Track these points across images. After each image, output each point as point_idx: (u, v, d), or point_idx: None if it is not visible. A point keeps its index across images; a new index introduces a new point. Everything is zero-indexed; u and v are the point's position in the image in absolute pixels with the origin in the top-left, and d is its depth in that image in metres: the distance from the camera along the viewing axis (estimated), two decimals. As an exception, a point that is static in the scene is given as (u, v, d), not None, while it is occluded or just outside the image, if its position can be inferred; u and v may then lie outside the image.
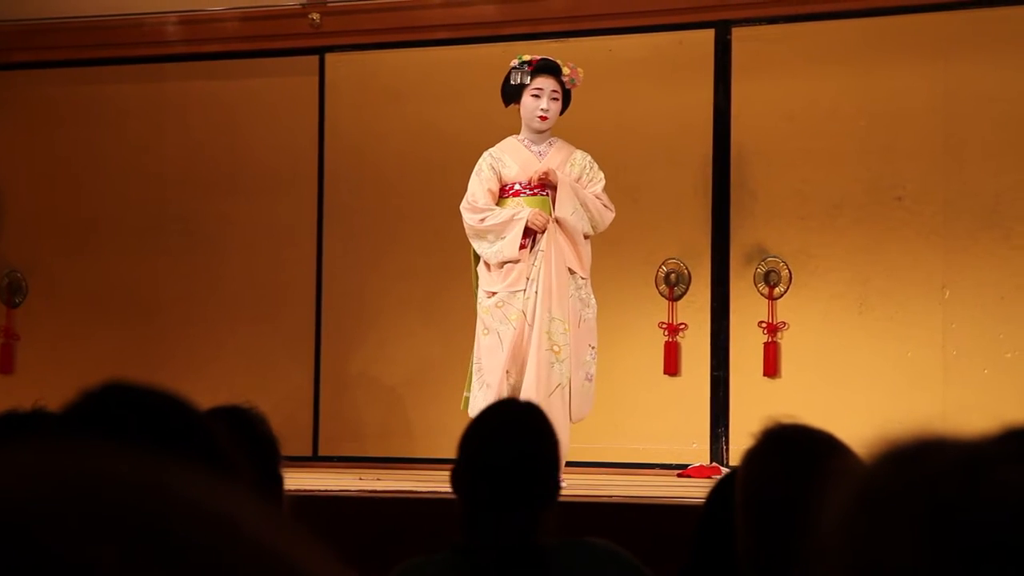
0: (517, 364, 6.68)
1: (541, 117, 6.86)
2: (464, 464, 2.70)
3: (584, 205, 6.84)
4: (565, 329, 6.71)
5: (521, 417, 2.77)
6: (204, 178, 9.27)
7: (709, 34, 8.45)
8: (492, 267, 6.83)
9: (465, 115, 8.65)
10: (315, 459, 8.69)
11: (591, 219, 6.86)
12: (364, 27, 9.02)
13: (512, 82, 6.90)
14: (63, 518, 0.62)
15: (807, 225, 8.22)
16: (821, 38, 8.26)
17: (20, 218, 9.61)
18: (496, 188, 6.90)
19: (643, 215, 8.09)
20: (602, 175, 6.98)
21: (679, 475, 7.90)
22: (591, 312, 6.85)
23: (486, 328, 6.77)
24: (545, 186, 6.84)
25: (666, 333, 8.40)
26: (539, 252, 6.75)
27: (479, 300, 6.86)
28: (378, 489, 6.40)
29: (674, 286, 8.43)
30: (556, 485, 2.73)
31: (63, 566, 0.61)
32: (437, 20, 8.86)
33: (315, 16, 9.06)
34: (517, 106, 6.94)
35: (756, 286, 8.29)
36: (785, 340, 8.23)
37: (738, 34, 8.41)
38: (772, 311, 8.24)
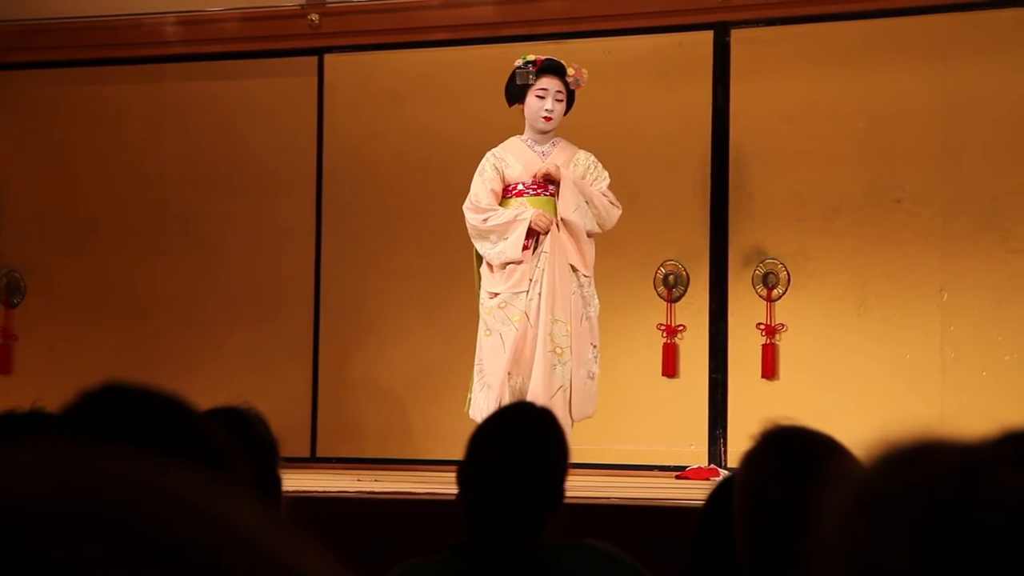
0: (519, 366, 6.66)
1: (546, 118, 6.84)
2: (472, 463, 2.69)
3: (589, 202, 6.82)
4: (567, 331, 6.70)
5: (533, 421, 2.77)
6: (203, 178, 9.27)
7: (708, 35, 8.45)
8: (495, 268, 6.80)
9: (464, 116, 8.65)
10: (313, 460, 8.68)
11: (597, 216, 6.84)
12: (363, 28, 9.03)
13: (517, 82, 6.87)
14: (62, 519, 0.62)
15: (805, 227, 8.22)
16: (820, 40, 8.26)
17: (19, 218, 9.61)
18: (499, 188, 6.88)
19: (641, 217, 8.08)
20: (606, 174, 6.97)
21: (677, 477, 7.90)
22: (593, 311, 6.82)
23: (488, 329, 6.75)
24: (549, 181, 6.82)
25: (664, 335, 8.40)
26: (542, 253, 6.73)
27: (481, 301, 6.84)
28: (376, 490, 6.40)
29: (672, 288, 8.43)
30: (562, 491, 2.72)
31: (62, 566, 0.61)
32: (436, 21, 8.86)
33: (314, 17, 9.06)
34: (520, 106, 6.92)
35: (754, 288, 8.29)
36: (783, 342, 8.23)
37: (737, 36, 8.42)
38: (770, 313, 8.24)
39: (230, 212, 9.19)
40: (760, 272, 8.28)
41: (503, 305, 6.72)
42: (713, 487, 2.70)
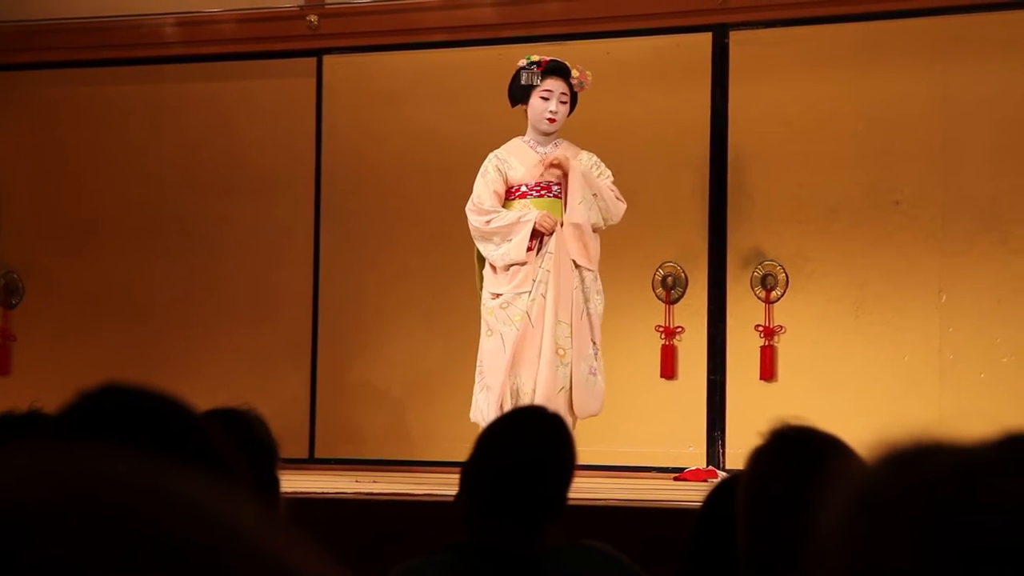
0: (517, 366, 6.64)
1: (550, 119, 6.81)
2: (478, 463, 2.69)
3: (597, 195, 6.79)
4: (569, 333, 6.68)
5: (542, 425, 2.77)
6: (202, 179, 9.27)
7: (707, 37, 8.45)
8: (498, 269, 6.78)
9: (462, 117, 8.65)
10: (312, 461, 8.68)
11: (603, 210, 6.80)
12: (361, 29, 9.03)
13: (522, 83, 6.83)
14: (62, 519, 0.62)
15: (804, 229, 8.23)
16: (819, 42, 8.26)
17: (17, 218, 9.61)
18: (502, 190, 6.85)
19: (640, 218, 8.08)
20: (610, 172, 6.95)
21: (675, 478, 7.90)
22: (594, 307, 6.77)
23: (489, 329, 6.73)
24: (557, 166, 6.75)
25: (663, 336, 8.40)
26: (546, 254, 6.70)
27: (483, 301, 6.82)
28: (375, 491, 6.40)
29: (671, 289, 8.43)
30: (566, 496, 2.72)
31: (62, 566, 0.61)
32: (434, 23, 8.86)
33: (313, 18, 9.07)
34: (522, 107, 6.89)
35: (753, 290, 8.29)
36: (782, 344, 8.23)
37: (736, 38, 8.42)
38: (769, 315, 8.24)
39: (229, 213, 9.19)
40: (759, 274, 8.28)
41: (505, 305, 6.69)
42: (711, 488, 2.70)
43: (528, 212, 6.74)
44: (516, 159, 6.87)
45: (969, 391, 7.80)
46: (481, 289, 6.87)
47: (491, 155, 6.92)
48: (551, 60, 6.87)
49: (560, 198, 6.82)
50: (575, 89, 6.85)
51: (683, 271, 8.41)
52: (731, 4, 8.39)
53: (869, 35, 8.18)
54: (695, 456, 8.21)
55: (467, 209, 6.87)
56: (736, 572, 2.21)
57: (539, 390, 6.54)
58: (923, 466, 0.84)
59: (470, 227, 6.85)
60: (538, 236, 6.72)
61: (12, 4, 9.47)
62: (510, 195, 6.86)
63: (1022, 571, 0.80)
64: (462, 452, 2.81)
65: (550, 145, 6.90)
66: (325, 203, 9.09)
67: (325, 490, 6.24)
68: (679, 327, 8.39)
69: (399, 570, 2.72)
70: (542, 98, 6.80)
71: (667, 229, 8.42)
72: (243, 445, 2.32)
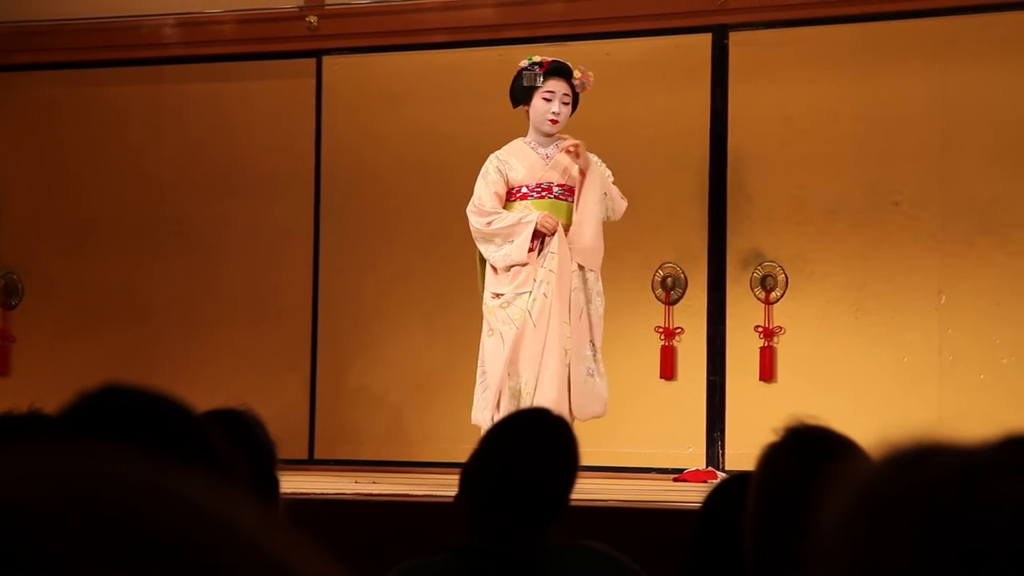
0: (518, 366, 6.63)
1: (552, 121, 6.79)
2: (481, 463, 2.69)
3: (607, 193, 6.81)
4: (570, 333, 6.68)
5: (546, 427, 2.77)
6: (201, 180, 9.27)
7: (706, 38, 8.46)
8: (500, 270, 6.77)
9: (462, 118, 8.65)
10: (311, 462, 8.68)
11: (610, 209, 6.83)
12: (361, 30, 9.03)
13: (524, 84, 6.81)
14: (62, 519, 0.62)
15: (804, 230, 8.23)
16: (818, 43, 8.26)
17: (17, 219, 9.61)
18: (503, 191, 6.84)
19: (640, 219, 8.08)
20: (610, 172, 6.95)
21: (675, 479, 7.90)
22: (595, 307, 6.77)
23: (490, 329, 6.72)
24: (575, 153, 6.73)
25: (662, 337, 8.40)
26: (548, 255, 6.69)
27: (484, 302, 6.81)
28: (374, 492, 6.40)
29: (670, 290, 8.43)
30: (568, 499, 2.72)
31: (62, 566, 0.61)
32: (434, 23, 8.86)
33: (312, 19, 9.07)
34: (523, 108, 6.88)
35: (752, 291, 8.29)
36: (781, 345, 8.23)
37: (735, 38, 8.42)
38: (768, 316, 8.24)
39: (228, 214, 9.19)
40: (758, 274, 8.28)
41: (506, 305, 6.68)
42: (711, 489, 2.70)
43: (529, 213, 6.73)
44: (517, 160, 6.86)
45: (968, 392, 7.80)
46: (483, 290, 6.87)
47: (492, 156, 6.90)
48: (553, 61, 6.85)
49: (561, 199, 6.82)
50: (577, 90, 6.84)
51: (683, 272, 8.41)
52: (731, 5, 8.39)
53: (869, 35, 8.18)
54: (695, 457, 8.21)
55: (468, 210, 6.85)
56: (736, 572, 2.21)
57: (550, 390, 6.50)
58: (924, 467, 0.84)
59: (471, 228, 6.83)
60: (539, 237, 6.71)
61: (12, 4, 9.48)
62: (511, 196, 6.85)
63: (1022, 572, 0.80)
64: (462, 453, 2.81)
65: (551, 146, 6.89)
66: (325, 204, 9.09)
67: (325, 491, 6.24)
68: (679, 328, 8.39)
69: (399, 570, 2.72)
70: (545, 99, 6.79)
71: (667, 230, 8.42)
72: (242, 446, 2.32)
